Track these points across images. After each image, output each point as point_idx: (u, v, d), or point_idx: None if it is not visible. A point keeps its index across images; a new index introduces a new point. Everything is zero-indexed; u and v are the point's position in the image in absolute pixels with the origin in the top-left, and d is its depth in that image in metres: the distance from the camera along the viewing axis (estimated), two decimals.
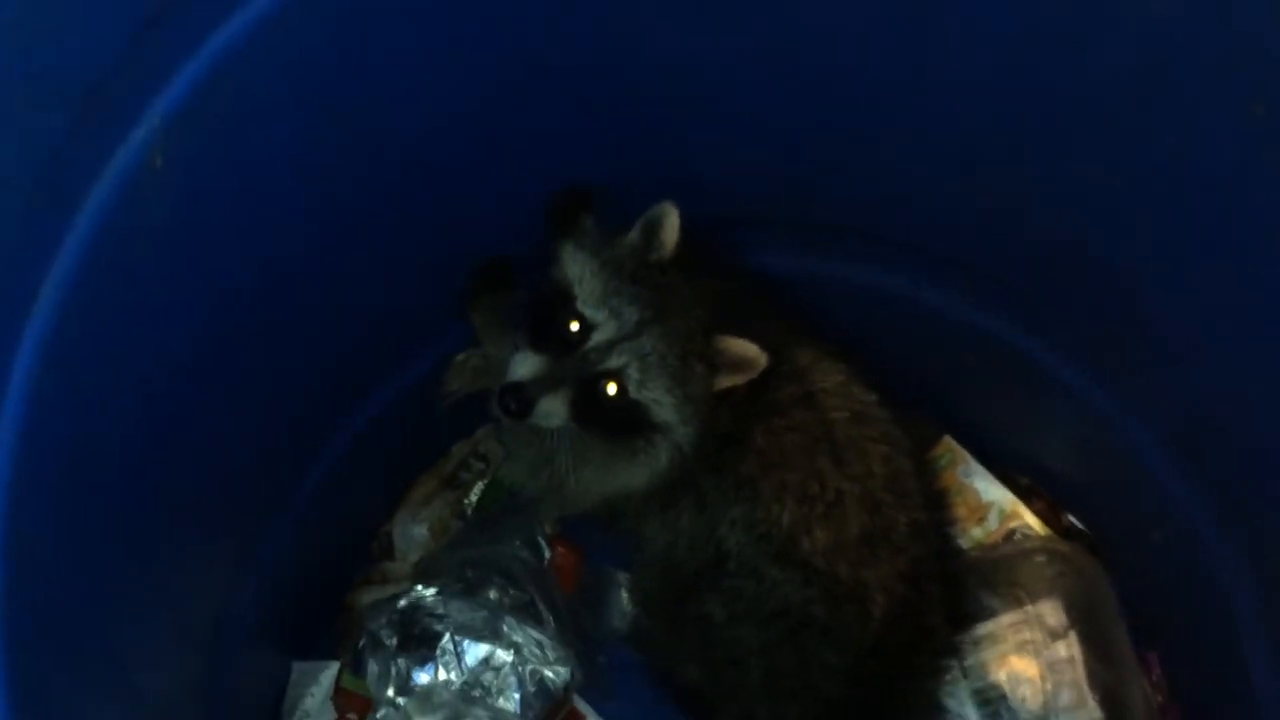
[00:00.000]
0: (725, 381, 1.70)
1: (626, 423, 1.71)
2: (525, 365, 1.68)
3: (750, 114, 1.74)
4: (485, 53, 1.58)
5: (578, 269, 1.70)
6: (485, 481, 2.26)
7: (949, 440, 2.19)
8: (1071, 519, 2.17)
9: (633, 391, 1.68)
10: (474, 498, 2.26)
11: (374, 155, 1.63)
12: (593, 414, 1.69)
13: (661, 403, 1.69)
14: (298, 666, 2.09)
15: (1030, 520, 2.13)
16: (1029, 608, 1.99)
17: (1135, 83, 1.43)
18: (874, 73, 1.62)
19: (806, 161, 1.82)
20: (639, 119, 1.76)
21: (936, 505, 1.95)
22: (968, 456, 2.17)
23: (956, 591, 1.94)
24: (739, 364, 1.68)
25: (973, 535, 2.14)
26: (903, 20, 1.52)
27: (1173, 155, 1.48)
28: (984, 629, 1.99)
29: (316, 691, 2.06)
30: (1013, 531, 2.13)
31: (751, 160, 1.84)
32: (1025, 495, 2.16)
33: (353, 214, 1.68)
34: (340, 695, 2.06)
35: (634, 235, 1.72)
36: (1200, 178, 1.48)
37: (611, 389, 1.67)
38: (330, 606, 2.19)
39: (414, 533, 2.23)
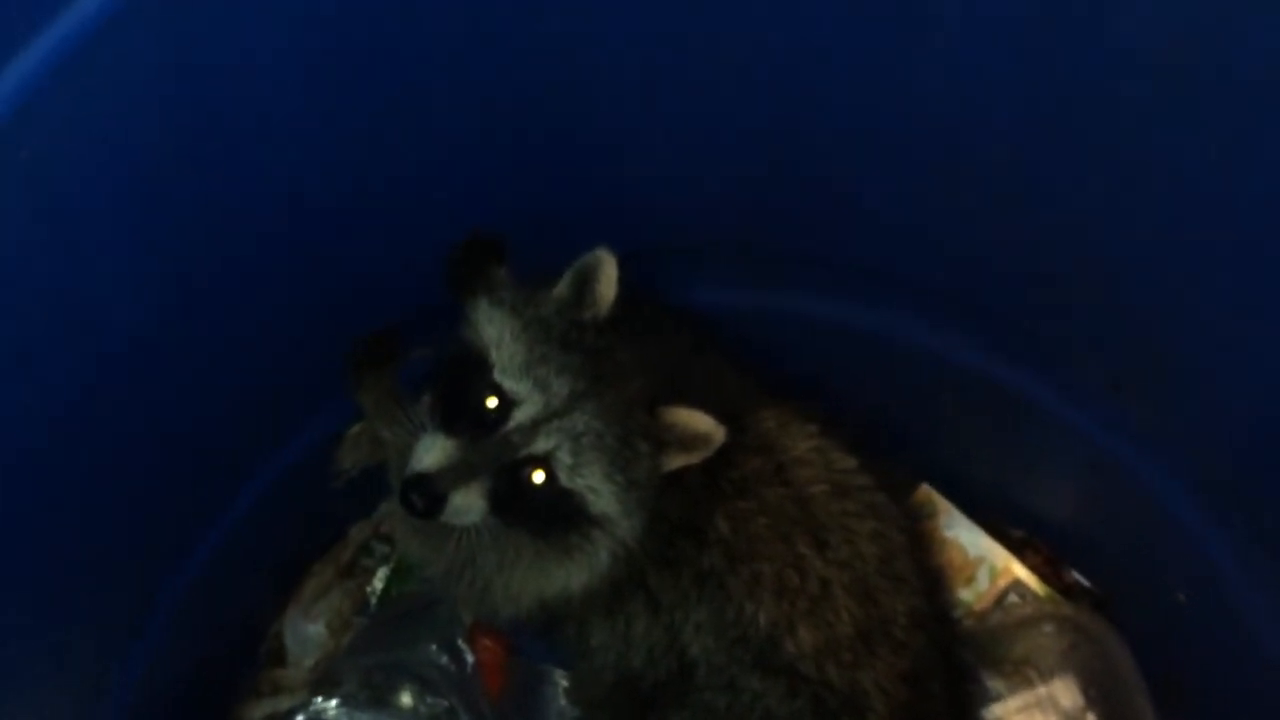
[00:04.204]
0: (675, 461, 1.54)
1: (557, 516, 1.55)
2: (433, 452, 1.52)
3: (698, 126, 1.62)
4: (374, 63, 1.44)
5: (495, 331, 1.56)
6: (390, 566, 2.12)
7: (927, 489, 2.07)
8: (1075, 574, 2.05)
9: (564, 479, 1.52)
10: (378, 585, 2.11)
11: (239, 197, 1.47)
12: (516, 507, 1.54)
13: (599, 491, 1.53)
14: None
15: (1025, 577, 2.01)
16: (1040, 689, 1.88)
17: (1151, 76, 1.32)
18: (841, 75, 1.49)
19: (761, 180, 1.70)
20: (566, 139, 1.64)
21: (936, 586, 1.78)
22: (950, 507, 2.05)
23: (963, 690, 1.78)
24: (691, 440, 1.52)
25: (961, 599, 1.99)
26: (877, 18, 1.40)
27: (1198, 165, 1.37)
28: (987, 716, 1.86)
29: None
30: (1006, 592, 2.01)
31: (698, 180, 1.71)
32: (1018, 549, 2.04)
33: (218, 274, 1.54)
34: None
35: (563, 289, 1.58)
36: (1226, 189, 1.37)
37: (538, 477, 1.52)
38: None
39: (308, 632, 2.07)
